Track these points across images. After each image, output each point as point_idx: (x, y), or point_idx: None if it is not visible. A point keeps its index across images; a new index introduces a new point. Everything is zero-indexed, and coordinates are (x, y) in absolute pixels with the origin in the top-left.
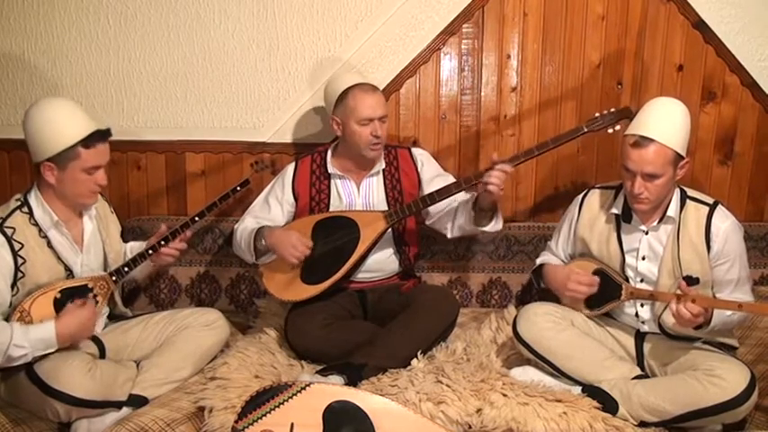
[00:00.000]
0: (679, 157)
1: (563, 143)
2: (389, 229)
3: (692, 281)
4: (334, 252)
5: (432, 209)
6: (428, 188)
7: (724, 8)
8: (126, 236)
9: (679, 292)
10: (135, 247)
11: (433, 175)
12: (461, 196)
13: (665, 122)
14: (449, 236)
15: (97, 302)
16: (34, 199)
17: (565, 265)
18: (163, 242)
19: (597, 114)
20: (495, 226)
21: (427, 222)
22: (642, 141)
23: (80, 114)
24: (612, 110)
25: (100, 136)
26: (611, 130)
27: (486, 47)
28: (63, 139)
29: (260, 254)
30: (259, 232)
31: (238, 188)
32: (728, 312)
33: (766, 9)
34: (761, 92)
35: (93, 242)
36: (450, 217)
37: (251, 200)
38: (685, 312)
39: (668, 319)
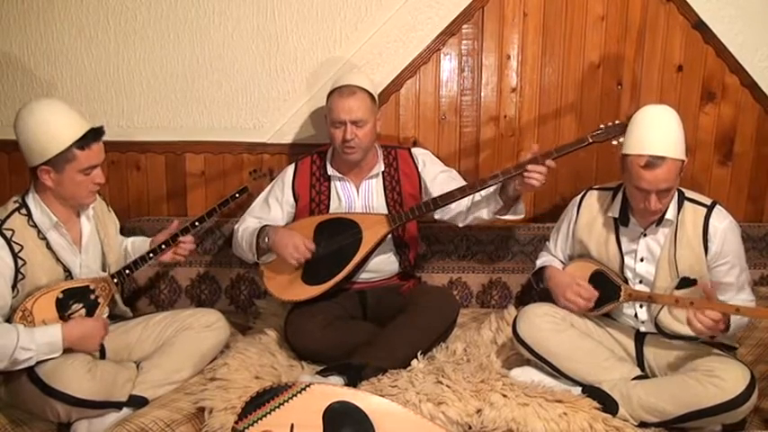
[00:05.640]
0: (683, 162)
1: (567, 153)
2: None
3: (688, 282)
4: (335, 254)
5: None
6: (433, 187)
7: (724, 8)
8: (125, 236)
9: (678, 293)
10: (137, 242)
11: (436, 174)
12: (467, 199)
13: (668, 135)
14: (460, 225)
15: (98, 304)
16: (32, 200)
17: (569, 274)
18: (164, 245)
19: (602, 126)
20: (516, 214)
21: (436, 216)
22: (655, 161)
23: (72, 115)
24: (617, 122)
25: (94, 135)
26: (615, 142)
27: (486, 47)
28: (57, 141)
29: (262, 252)
30: (263, 230)
31: (237, 195)
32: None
33: (766, 9)
34: (760, 92)
35: (91, 242)
36: (465, 209)
37: (251, 203)
38: (706, 321)
39: (665, 320)
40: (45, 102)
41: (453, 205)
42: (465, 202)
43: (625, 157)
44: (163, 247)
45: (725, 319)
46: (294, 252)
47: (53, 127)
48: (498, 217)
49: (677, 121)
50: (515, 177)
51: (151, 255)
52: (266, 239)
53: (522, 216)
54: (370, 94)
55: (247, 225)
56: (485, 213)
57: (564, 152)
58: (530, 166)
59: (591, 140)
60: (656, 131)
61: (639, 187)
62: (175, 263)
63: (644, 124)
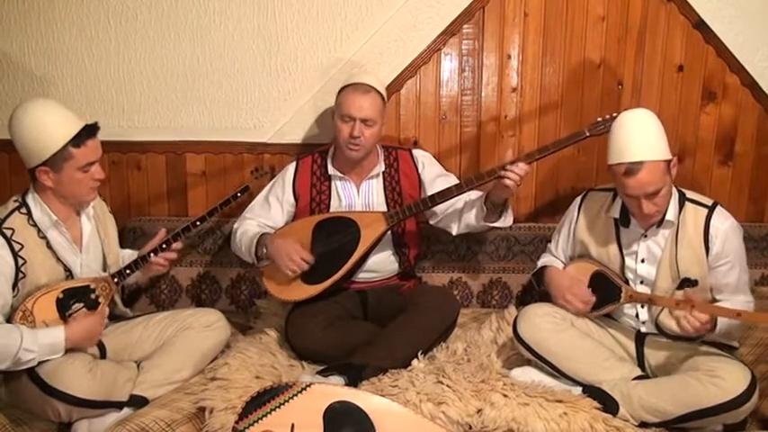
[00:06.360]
0: (668, 161)
1: (564, 147)
2: (389, 231)
3: (690, 283)
4: (334, 252)
5: (437, 209)
6: (430, 189)
7: (724, 8)
8: (126, 236)
9: (679, 293)
10: (126, 255)
11: (434, 176)
12: (465, 196)
13: (644, 139)
14: (454, 233)
15: (99, 304)
16: (32, 199)
17: (569, 275)
18: (164, 245)
19: (599, 119)
20: (505, 221)
21: (431, 222)
22: (633, 167)
23: (65, 113)
24: (614, 114)
25: (88, 132)
26: None
27: (487, 47)
28: (53, 141)
29: (260, 259)
30: (260, 240)
31: (239, 194)
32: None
33: (766, 9)
34: (761, 92)
35: (91, 242)
36: (457, 215)
37: (252, 201)
38: (694, 322)
39: (666, 321)
40: (38, 102)
41: (446, 208)
42: (456, 207)
43: (610, 168)
44: (164, 246)
45: (711, 320)
46: (290, 264)
47: (48, 127)
48: (487, 225)
49: (653, 122)
50: (493, 180)
51: (152, 254)
52: (264, 249)
53: (510, 224)
54: (382, 98)
55: (246, 229)
56: (473, 220)
57: (562, 146)
58: (507, 166)
59: (588, 134)
60: (631, 138)
61: (627, 194)
62: (159, 272)
63: (619, 133)
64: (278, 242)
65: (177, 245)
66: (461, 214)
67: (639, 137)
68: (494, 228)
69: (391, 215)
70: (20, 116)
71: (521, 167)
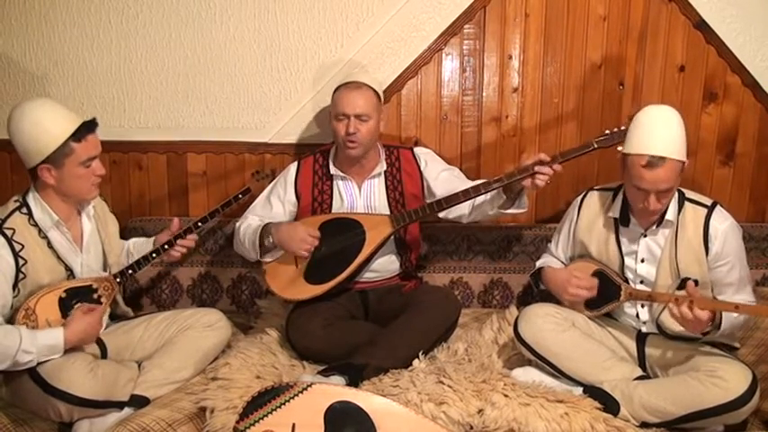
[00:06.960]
0: (683, 163)
1: (572, 158)
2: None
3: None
4: (338, 253)
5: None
6: (436, 185)
7: (725, 8)
8: (127, 236)
9: (680, 293)
10: (139, 242)
11: (438, 172)
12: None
13: (669, 136)
14: (464, 222)
15: (101, 304)
16: (33, 199)
17: (565, 268)
18: (166, 246)
19: (607, 131)
20: (520, 207)
21: (441, 215)
22: (655, 161)
23: (63, 111)
24: (623, 128)
25: (88, 127)
26: (620, 148)
27: (488, 47)
28: (53, 138)
29: (265, 251)
30: (265, 229)
31: (240, 196)
32: (735, 314)
33: (767, 9)
34: (762, 92)
35: (92, 242)
36: (469, 208)
37: (254, 202)
38: (687, 313)
39: (667, 321)
40: (35, 102)
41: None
42: (468, 202)
43: (626, 157)
44: (165, 247)
45: (714, 320)
46: (302, 244)
47: (47, 125)
48: (502, 211)
49: (679, 121)
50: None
51: (154, 255)
52: (270, 238)
53: (526, 209)
54: (376, 93)
55: (249, 223)
56: (489, 209)
57: (569, 157)
58: (538, 167)
59: (596, 146)
60: (658, 132)
61: (639, 187)
62: (177, 262)
63: (646, 124)
64: (285, 228)
65: (191, 236)
66: (474, 206)
67: (666, 133)
68: (506, 214)
69: (397, 218)
70: (18, 117)
71: (549, 171)
